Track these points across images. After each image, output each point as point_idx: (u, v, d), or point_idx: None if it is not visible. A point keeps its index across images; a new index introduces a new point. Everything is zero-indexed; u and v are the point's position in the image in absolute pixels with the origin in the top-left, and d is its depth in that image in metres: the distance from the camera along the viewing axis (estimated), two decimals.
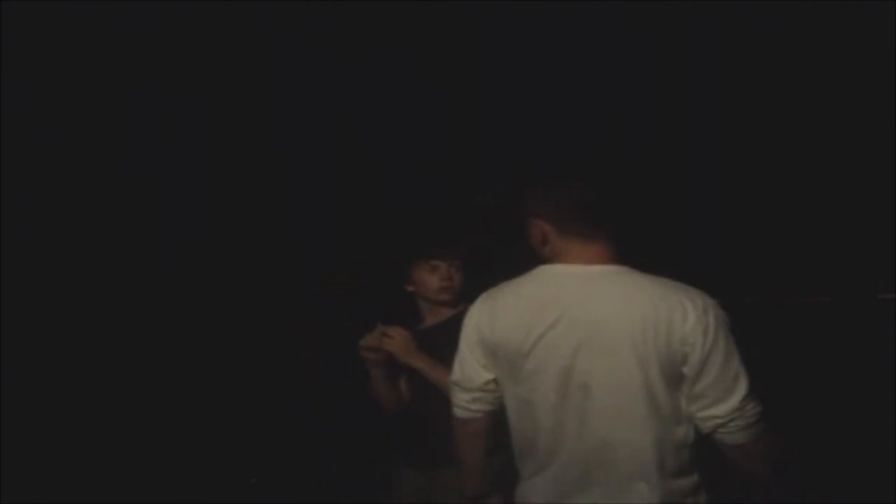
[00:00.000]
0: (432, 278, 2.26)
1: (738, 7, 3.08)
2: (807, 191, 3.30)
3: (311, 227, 3.55)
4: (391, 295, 2.44)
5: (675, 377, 1.56)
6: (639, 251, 1.81)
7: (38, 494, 2.94)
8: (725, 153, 3.39)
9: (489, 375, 1.77)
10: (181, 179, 3.46)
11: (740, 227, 3.36)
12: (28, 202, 3.17)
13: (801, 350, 3.21)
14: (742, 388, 1.60)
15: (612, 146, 3.31)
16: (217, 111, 3.42)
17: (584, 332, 1.57)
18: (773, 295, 3.30)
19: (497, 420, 1.82)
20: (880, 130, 3.15)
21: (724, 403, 1.58)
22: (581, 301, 1.59)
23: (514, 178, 3.48)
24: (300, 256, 3.56)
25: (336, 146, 3.54)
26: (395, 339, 2.19)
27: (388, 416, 2.35)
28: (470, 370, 1.79)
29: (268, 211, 3.56)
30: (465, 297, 2.30)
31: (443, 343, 2.20)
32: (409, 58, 3.35)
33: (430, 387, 2.19)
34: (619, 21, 3.16)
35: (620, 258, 1.69)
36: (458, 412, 1.85)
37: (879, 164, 3.18)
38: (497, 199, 3.44)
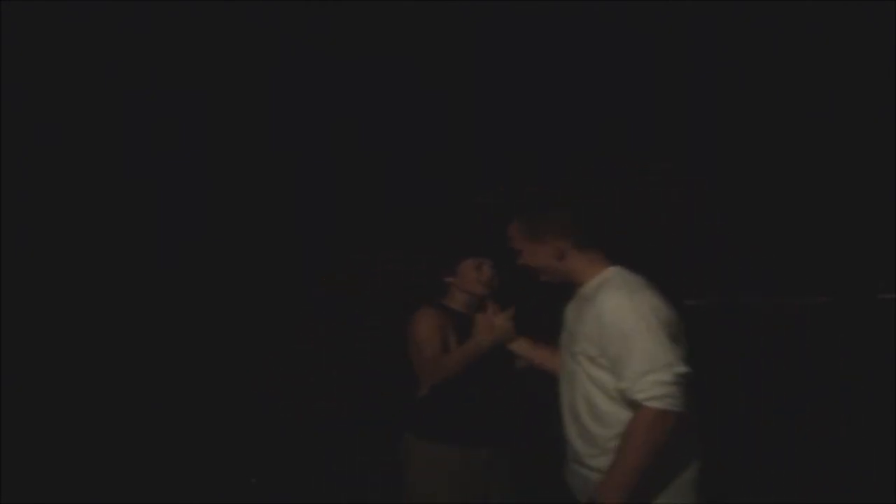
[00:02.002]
0: (476, 274, 2.47)
1: (738, 7, 3.08)
2: (807, 191, 3.30)
3: (311, 227, 3.55)
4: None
5: None
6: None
7: (38, 494, 2.94)
8: (725, 153, 3.39)
9: None
10: (181, 179, 3.46)
11: (740, 227, 3.36)
12: (28, 202, 3.17)
13: (802, 350, 3.21)
14: None
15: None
16: (217, 111, 3.42)
17: None
18: (773, 295, 3.30)
19: None
20: (880, 130, 3.15)
21: None
22: None
23: (514, 178, 3.49)
24: (300, 256, 3.57)
25: (336, 146, 3.54)
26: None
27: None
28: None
29: (268, 211, 3.56)
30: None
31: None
32: (409, 58, 3.35)
33: (484, 368, 2.35)
34: (619, 21, 3.17)
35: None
36: (680, 407, 1.73)
37: (879, 164, 3.18)
38: (497, 200, 3.45)
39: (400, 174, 3.53)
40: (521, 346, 2.32)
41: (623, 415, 1.79)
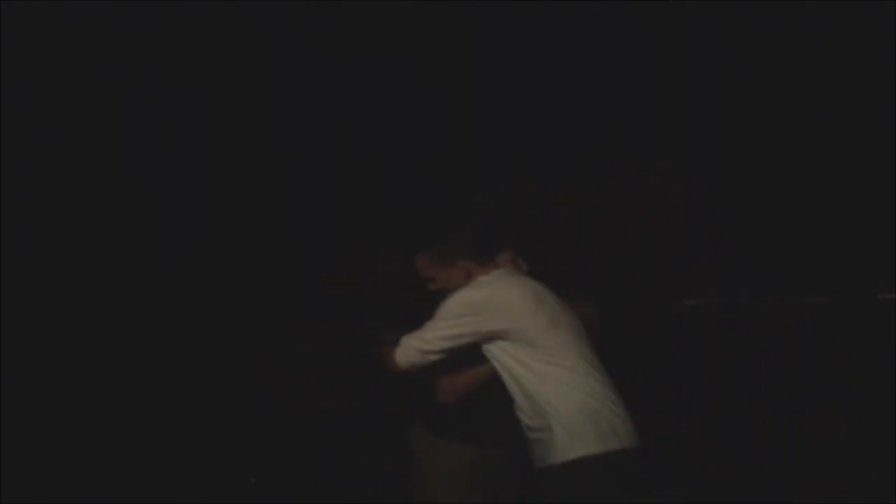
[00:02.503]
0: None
1: (738, 7, 3.08)
2: (807, 191, 3.30)
3: (312, 227, 3.55)
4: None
5: None
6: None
7: (38, 494, 2.94)
8: (725, 153, 3.39)
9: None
10: (181, 179, 3.46)
11: (741, 227, 3.36)
12: (28, 202, 3.17)
13: (801, 350, 3.21)
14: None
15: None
16: (217, 111, 3.42)
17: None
18: (773, 295, 3.30)
19: None
20: (880, 130, 3.15)
21: None
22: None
23: (514, 178, 3.49)
24: (300, 256, 3.57)
25: (336, 146, 3.54)
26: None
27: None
28: None
29: (268, 211, 3.56)
30: None
31: None
32: (409, 58, 3.35)
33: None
34: (620, 21, 3.17)
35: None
36: (404, 365, 2.22)
37: (879, 164, 3.18)
38: (497, 200, 3.45)
39: (400, 174, 3.53)
40: None
41: (514, 384, 2.15)
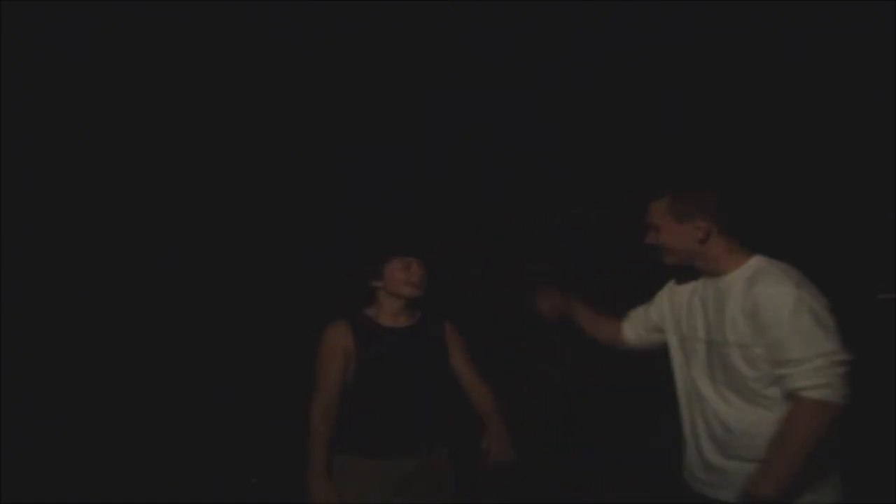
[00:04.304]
0: (404, 275, 2.32)
1: (738, 7, 3.08)
2: (807, 191, 3.30)
3: (312, 228, 3.55)
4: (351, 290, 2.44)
5: None
6: None
7: (38, 494, 2.94)
8: (725, 153, 3.39)
9: None
10: (182, 179, 3.46)
11: (740, 227, 3.36)
12: (28, 202, 3.17)
13: None
14: None
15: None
16: (217, 111, 3.42)
17: None
18: None
19: None
20: (880, 130, 3.16)
21: None
22: None
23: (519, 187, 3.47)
24: (298, 256, 3.57)
25: (333, 146, 3.54)
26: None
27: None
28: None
29: (268, 211, 3.56)
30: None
31: (411, 344, 2.35)
32: (408, 57, 3.35)
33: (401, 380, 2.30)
34: (619, 21, 3.17)
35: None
36: (839, 399, 1.70)
37: (879, 164, 3.18)
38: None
39: (397, 174, 3.53)
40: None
41: (771, 402, 1.77)
